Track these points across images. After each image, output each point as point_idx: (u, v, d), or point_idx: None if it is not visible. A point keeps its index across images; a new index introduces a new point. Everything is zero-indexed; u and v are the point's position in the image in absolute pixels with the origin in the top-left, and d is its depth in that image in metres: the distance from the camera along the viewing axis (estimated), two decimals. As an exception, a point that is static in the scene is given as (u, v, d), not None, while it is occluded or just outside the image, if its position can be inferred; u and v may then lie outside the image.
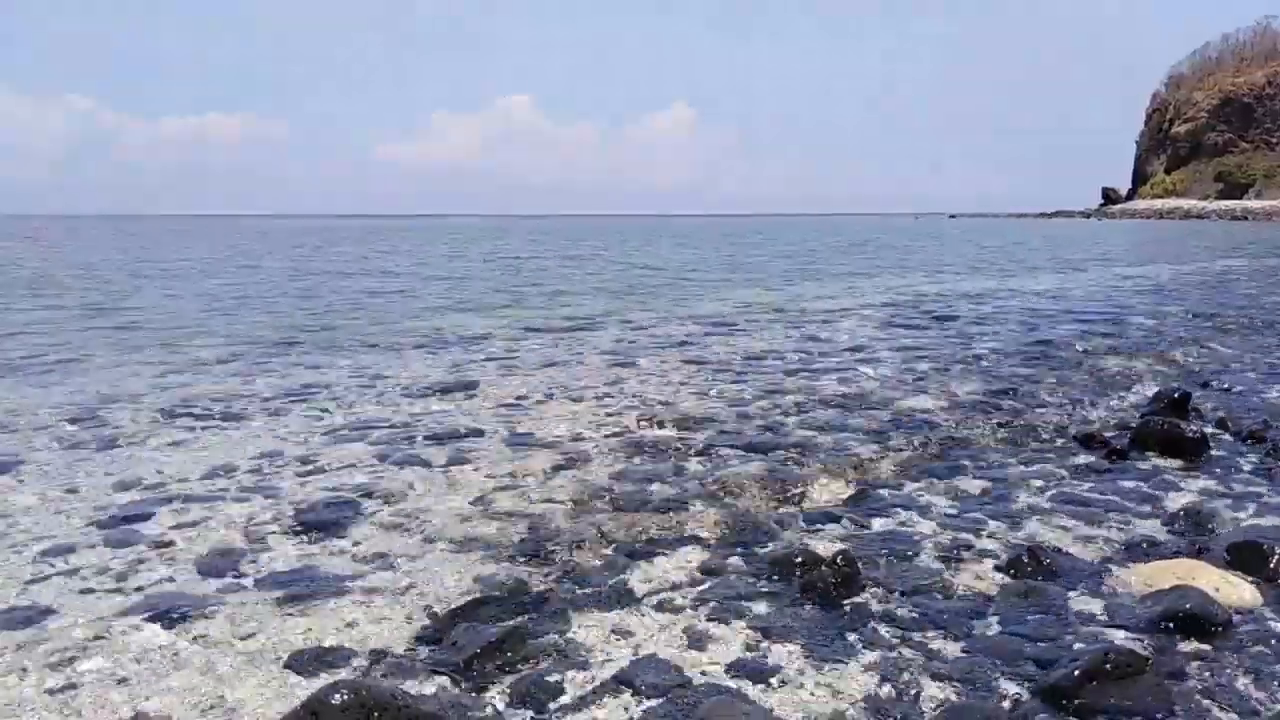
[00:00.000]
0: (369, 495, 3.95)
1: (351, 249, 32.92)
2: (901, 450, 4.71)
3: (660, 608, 2.82)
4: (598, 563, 3.19)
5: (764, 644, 2.58)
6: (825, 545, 3.33)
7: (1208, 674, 2.37)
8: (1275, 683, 2.32)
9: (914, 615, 2.77)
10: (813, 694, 2.32)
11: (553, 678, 2.39)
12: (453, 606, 2.81)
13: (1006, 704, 2.25)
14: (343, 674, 2.40)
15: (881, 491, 4.01)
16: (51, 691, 2.32)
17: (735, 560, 3.20)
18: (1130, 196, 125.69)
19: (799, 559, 3.11)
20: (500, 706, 2.26)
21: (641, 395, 6.15)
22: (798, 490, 4.03)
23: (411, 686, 2.32)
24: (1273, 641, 2.55)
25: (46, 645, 2.56)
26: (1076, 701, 2.20)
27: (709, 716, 2.17)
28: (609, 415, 5.54)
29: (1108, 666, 2.25)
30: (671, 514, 3.71)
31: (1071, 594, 2.89)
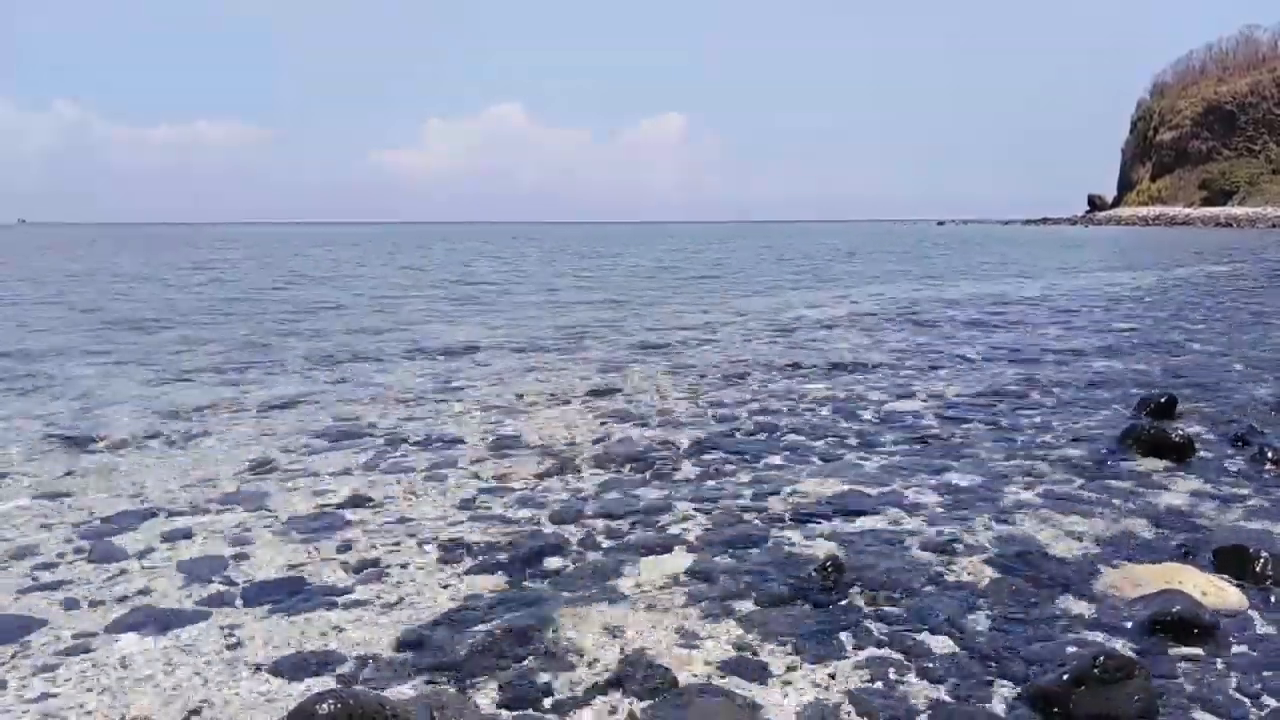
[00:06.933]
0: (356, 502, 3.93)
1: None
2: (891, 451, 4.73)
3: (650, 609, 2.81)
4: (586, 565, 3.17)
5: (754, 643, 2.58)
6: (815, 545, 3.33)
7: (1196, 678, 2.37)
8: (1263, 687, 2.33)
9: (903, 614, 2.77)
10: (802, 693, 2.32)
11: (542, 679, 2.38)
12: (441, 612, 2.79)
13: (996, 706, 2.25)
14: (330, 681, 2.38)
15: (871, 491, 4.01)
16: (34, 701, 2.29)
17: (724, 561, 3.20)
18: (1116, 203, 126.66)
19: (789, 559, 3.11)
20: (490, 710, 2.24)
21: (631, 399, 6.15)
22: (787, 490, 4.03)
23: (400, 692, 2.30)
24: (1260, 645, 2.55)
25: (30, 656, 2.53)
26: (1065, 706, 2.20)
27: (699, 716, 2.16)
28: (598, 419, 5.53)
29: (1096, 670, 2.25)
30: (660, 516, 3.70)
31: (1060, 595, 2.90)
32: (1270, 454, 4.45)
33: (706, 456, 4.65)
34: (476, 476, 4.33)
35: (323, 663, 2.49)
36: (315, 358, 8.18)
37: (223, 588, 3.02)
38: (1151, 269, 22.83)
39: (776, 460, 4.57)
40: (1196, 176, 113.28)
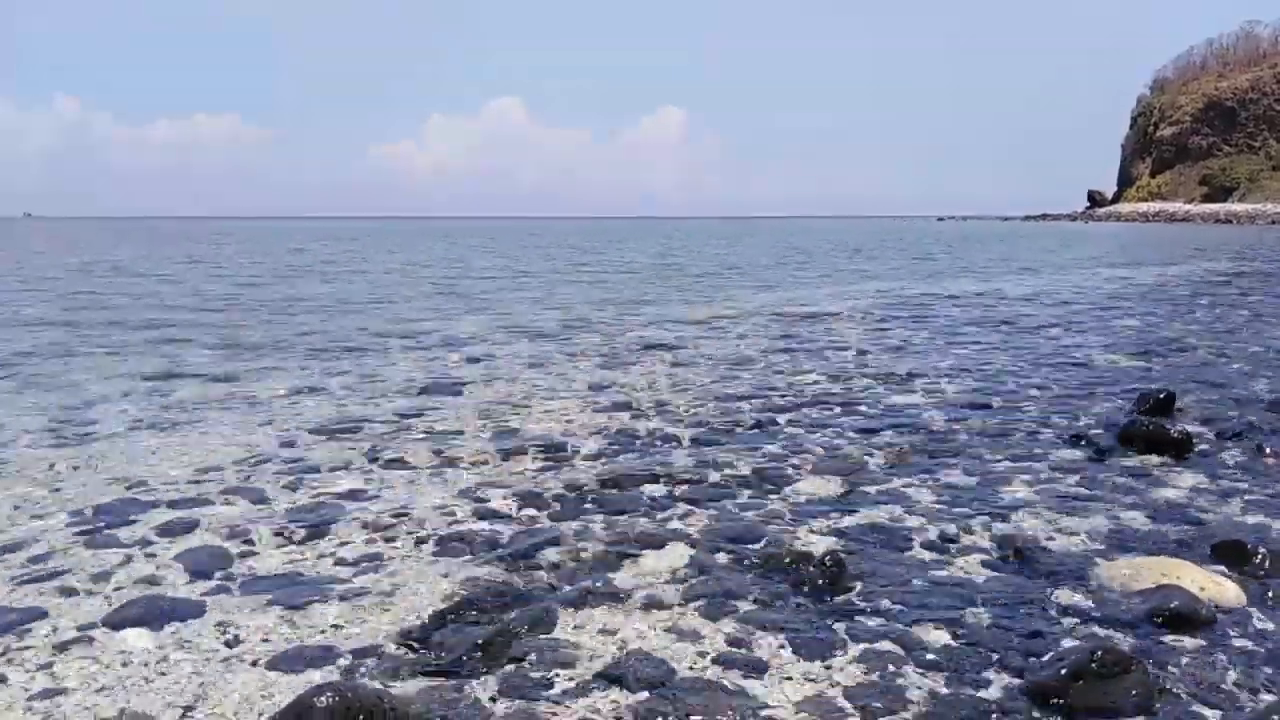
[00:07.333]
0: (355, 496, 3.93)
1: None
2: (890, 446, 4.73)
3: (648, 604, 2.82)
4: (585, 561, 3.18)
5: (752, 638, 2.58)
6: (814, 541, 3.34)
7: (1193, 672, 2.37)
8: (1260, 681, 2.33)
9: (901, 609, 2.77)
10: (800, 687, 2.32)
11: (541, 674, 2.38)
12: (440, 606, 2.80)
13: (994, 700, 2.26)
14: (329, 674, 2.38)
15: (869, 488, 4.02)
16: (34, 696, 2.29)
17: (723, 557, 3.20)
18: (1116, 199, 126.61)
19: (787, 555, 3.11)
20: (489, 704, 2.25)
21: (630, 395, 6.15)
22: (786, 487, 4.04)
23: (399, 687, 2.31)
24: (1257, 639, 2.56)
25: (29, 649, 2.54)
26: (1063, 699, 2.21)
27: (698, 710, 2.17)
28: (597, 414, 5.54)
29: (1094, 664, 2.25)
30: (659, 511, 3.71)
31: (1058, 590, 2.91)
32: (1268, 449, 4.46)
33: (706, 452, 4.65)
34: (476, 470, 4.33)
35: (322, 656, 2.49)
36: (314, 351, 8.18)
37: (222, 580, 3.02)
38: (1151, 265, 22.82)
39: (776, 455, 4.58)
40: (1197, 172, 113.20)
